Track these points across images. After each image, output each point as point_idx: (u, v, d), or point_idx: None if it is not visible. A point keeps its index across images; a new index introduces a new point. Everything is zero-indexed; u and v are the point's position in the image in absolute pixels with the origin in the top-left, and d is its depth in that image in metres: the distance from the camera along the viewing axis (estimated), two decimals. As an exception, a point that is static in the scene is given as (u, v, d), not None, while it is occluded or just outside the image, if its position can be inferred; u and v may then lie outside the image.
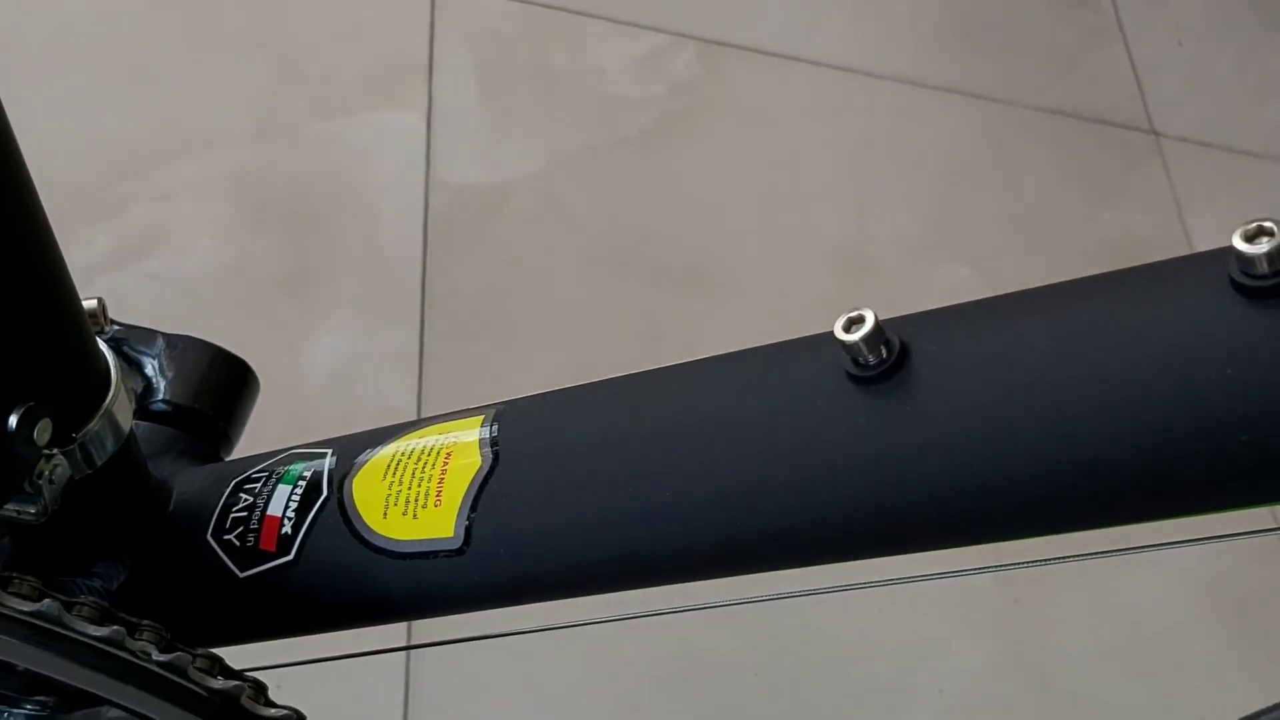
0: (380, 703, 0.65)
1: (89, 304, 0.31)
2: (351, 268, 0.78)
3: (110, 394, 0.29)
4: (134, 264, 0.74)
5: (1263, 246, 0.20)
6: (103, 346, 0.30)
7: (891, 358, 0.23)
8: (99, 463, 0.28)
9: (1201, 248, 0.23)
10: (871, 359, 0.23)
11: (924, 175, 1.00)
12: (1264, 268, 0.20)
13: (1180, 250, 1.00)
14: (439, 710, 0.66)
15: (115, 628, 0.24)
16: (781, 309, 0.84)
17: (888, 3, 1.07)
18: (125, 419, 0.29)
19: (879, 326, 0.23)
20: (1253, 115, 1.12)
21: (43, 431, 0.25)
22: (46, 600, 0.24)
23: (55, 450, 0.26)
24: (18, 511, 0.27)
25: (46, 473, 0.26)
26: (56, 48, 0.80)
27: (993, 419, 0.22)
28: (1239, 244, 0.20)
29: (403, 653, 0.64)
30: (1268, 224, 0.20)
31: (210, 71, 0.82)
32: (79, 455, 0.28)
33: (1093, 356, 0.22)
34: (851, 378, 0.23)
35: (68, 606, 0.25)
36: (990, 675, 0.75)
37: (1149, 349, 0.21)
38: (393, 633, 0.35)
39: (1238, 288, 0.20)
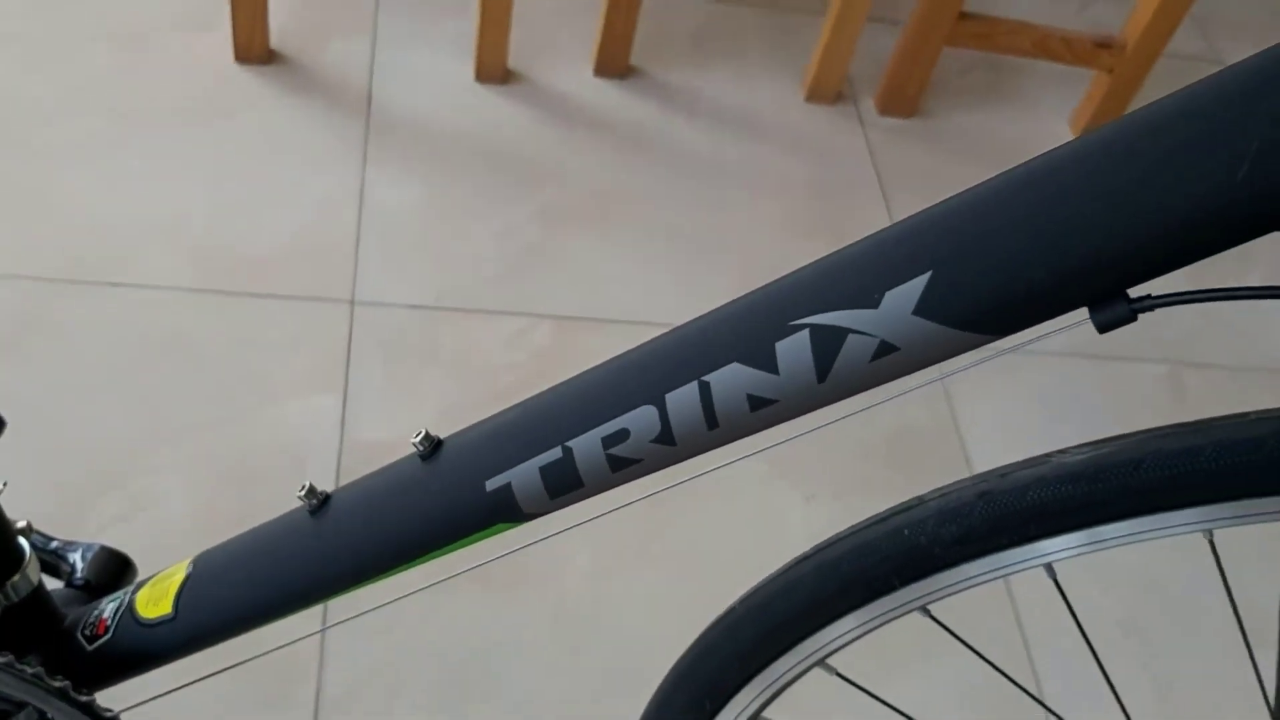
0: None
1: (20, 523, 0.63)
2: (281, 503, 1.10)
3: (24, 564, 0.60)
4: (135, 517, 1.08)
5: (418, 437, 0.50)
6: (23, 542, 0.61)
7: (317, 499, 0.54)
8: (16, 600, 0.60)
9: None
10: (314, 502, 0.54)
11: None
12: (420, 447, 0.50)
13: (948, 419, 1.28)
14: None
15: (9, 657, 0.55)
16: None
17: (712, 274, 1.41)
18: (35, 577, 0.61)
19: (311, 488, 0.54)
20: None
21: (-11, 575, 0.57)
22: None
23: (-9, 589, 0.58)
24: (-24, 621, 0.58)
25: (-13, 600, 0.58)
26: (87, 368, 1.17)
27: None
28: (412, 440, 0.51)
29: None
30: (423, 430, 0.51)
31: (186, 382, 1.18)
32: (10, 593, 0.59)
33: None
34: (309, 512, 0.54)
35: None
36: None
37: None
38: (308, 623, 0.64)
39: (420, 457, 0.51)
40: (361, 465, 1.16)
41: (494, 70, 1.55)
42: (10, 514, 0.61)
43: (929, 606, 0.53)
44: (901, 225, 0.41)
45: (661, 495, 0.56)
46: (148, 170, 1.36)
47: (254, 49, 1.47)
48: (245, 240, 1.32)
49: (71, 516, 1.07)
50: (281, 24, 1.52)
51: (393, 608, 0.99)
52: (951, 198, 0.41)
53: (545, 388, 0.50)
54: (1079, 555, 0.49)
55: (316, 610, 1.00)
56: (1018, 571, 0.50)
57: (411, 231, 1.37)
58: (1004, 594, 1.19)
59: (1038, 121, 1.70)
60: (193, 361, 1.20)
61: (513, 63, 1.57)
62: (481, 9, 1.48)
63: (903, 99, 1.66)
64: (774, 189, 1.53)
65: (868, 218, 1.52)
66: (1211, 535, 0.48)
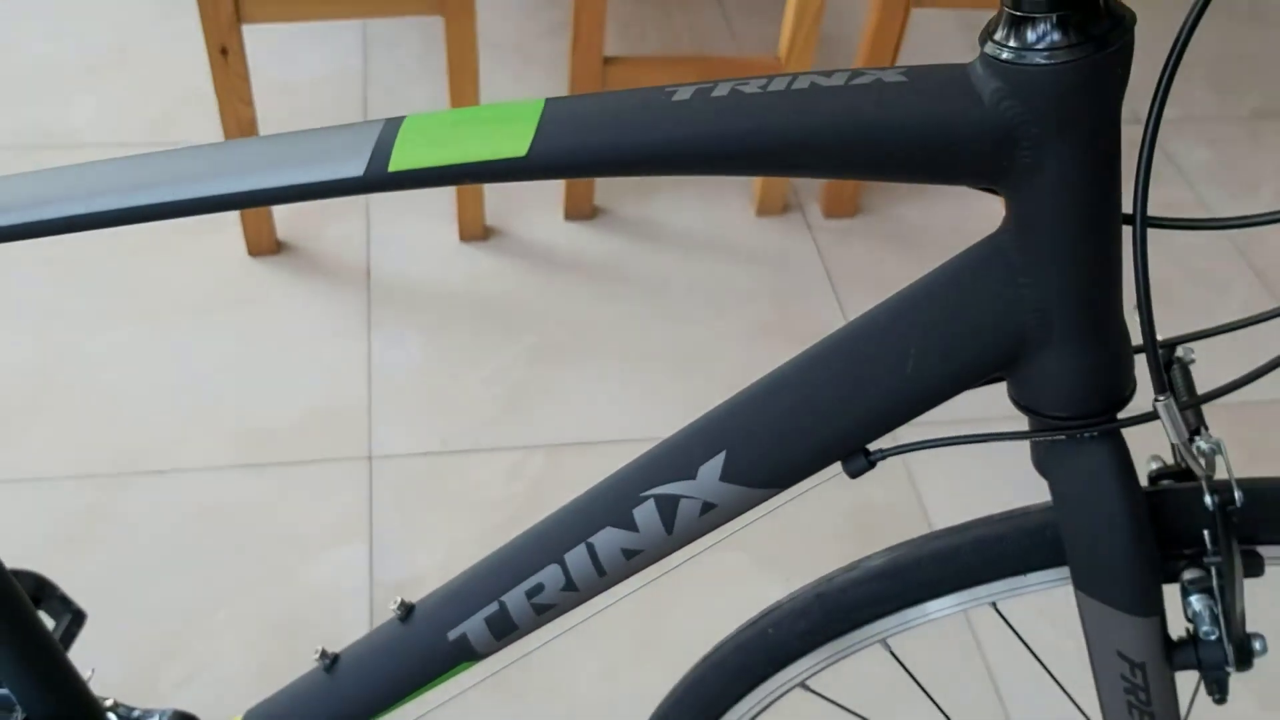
0: None
1: (108, 701, 0.80)
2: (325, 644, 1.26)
3: (113, 736, 0.77)
4: (198, 677, 1.25)
5: (395, 605, 0.66)
6: (112, 717, 0.78)
7: (329, 659, 0.70)
8: (110, 764, 0.76)
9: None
10: (327, 661, 0.70)
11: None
12: (398, 612, 0.66)
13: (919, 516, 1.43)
14: None
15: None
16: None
17: (685, 386, 1.57)
18: (122, 746, 0.77)
19: (324, 651, 0.70)
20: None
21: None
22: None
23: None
24: (83, 783, 0.75)
25: (87, 765, 0.74)
26: (145, 550, 1.34)
27: None
28: (390, 607, 0.67)
29: None
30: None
31: (230, 550, 1.36)
32: (104, 760, 0.76)
33: None
34: (325, 670, 0.70)
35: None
36: None
37: None
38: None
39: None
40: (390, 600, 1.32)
41: (474, 229, 1.74)
42: (97, 691, 0.78)
43: (807, 681, 0.68)
44: (707, 416, 0.58)
45: (652, 595, 0.70)
46: (181, 364, 1.55)
47: (263, 243, 1.67)
48: (271, 415, 1.50)
49: (145, 683, 1.23)
50: (285, 215, 1.72)
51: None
52: (737, 394, 0.57)
53: (544, 512, 0.65)
54: (901, 631, 0.64)
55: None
56: (861, 649, 0.65)
57: (415, 386, 1.55)
58: (970, 639, 1.32)
59: (969, 204, 1.86)
60: (234, 531, 1.38)
61: (490, 220, 1.76)
62: (456, 178, 1.68)
63: (843, 201, 1.83)
64: (736, 300, 1.70)
65: (822, 315, 1.68)
66: (996, 605, 0.63)
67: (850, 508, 1.45)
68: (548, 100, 0.48)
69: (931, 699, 0.70)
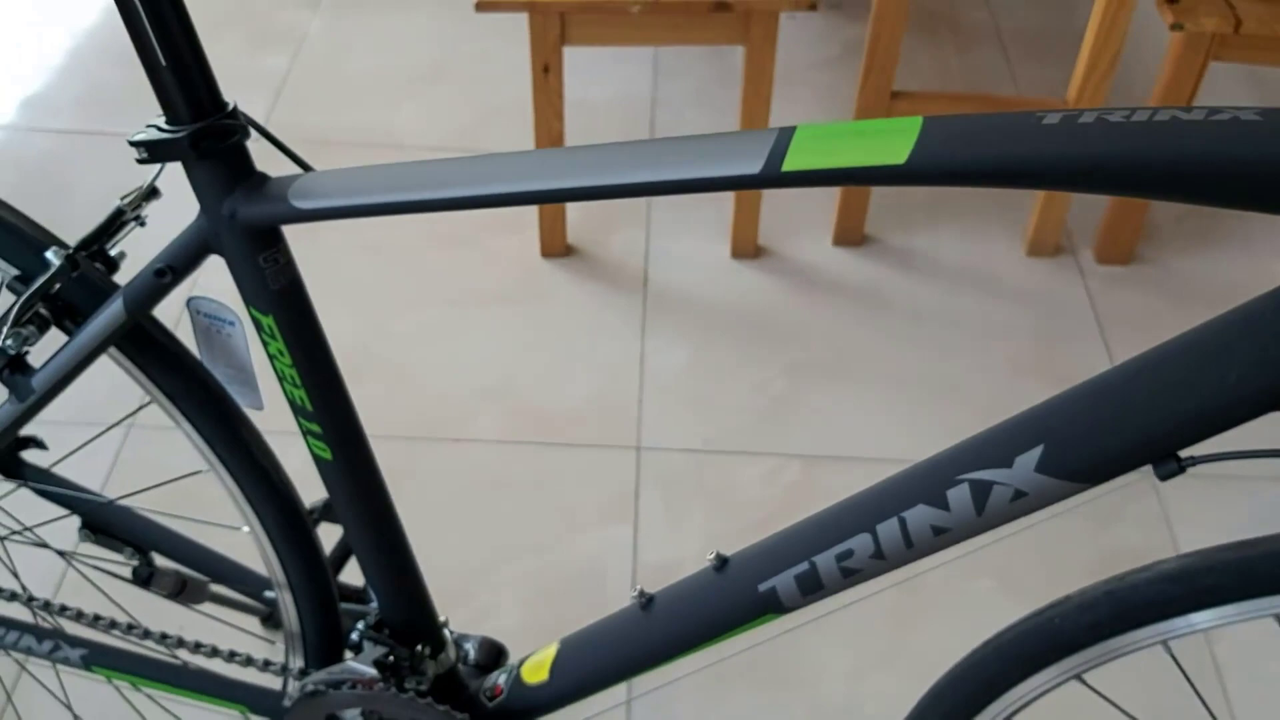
0: None
1: (442, 618, 0.92)
2: (588, 614, 1.37)
3: (447, 646, 0.89)
4: (481, 623, 1.38)
5: (712, 555, 0.75)
6: (446, 632, 0.90)
7: (646, 599, 0.79)
8: (441, 672, 0.88)
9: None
10: (643, 600, 0.79)
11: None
12: (714, 562, 0.75)
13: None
14: None
15: (447, 707, 0.83)
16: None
17: (940, 414, 1.61)
18: (453, 655, 0.90)
19: (642, 590, 0.79)
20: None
21: (431, 652, 0.86)
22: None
23: (430, 658, 0.87)
24: (418, 684, 0.87)
25: (429, 668, 0.86)
26: (441, 506, 1.50)
27: None
28: (707, 558, 0.75)
29: None
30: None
31: (510, 516, 1.49)
32: (441, 665, 0.88)
33: None
34: (640, 607, 0.80)
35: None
36: None
37: None
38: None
39: (714, 569, 0.76)
40: (651, 583, 1.42)
41: (747, 247, 1.83)
42: (429, 612, 0.91)
43: (1084, 675, 0.72)
44: (1023, 413, 0.64)
45: (904, 607, 0.76)
46: (475, 347, 1.71)
47: (555, 245, 1.82)
48: (552, 400, 1.63)
49: (434, 623, 1.38)
50: (575, 222, 1.87)
51: (679, 687, 1.24)
52: (1060, 393, 0.63)
53: (797, 517, 0.73)
54: (1184, 635, 0.68)
55: (621, 687, 1.25)
56: (1141, 648, 0.69)
57: (683, 388, 1.66)
58: (1208, 657, 1.31)
59: (1253, 261, 1.82)
60: (514, 499, 1.51)
61: (762, 240, 1.86)
62: (736, 198, 1.78)
63: (1120, 247, 1.82)
64: (998, 337, 1.73)
65: (1087, 359, 1.68)
66: (1279, 618, 0.66)
67: (1104, 547, 1.45)
68: (926, 118, 0.56)
69: (1206, 706, 0.73)
